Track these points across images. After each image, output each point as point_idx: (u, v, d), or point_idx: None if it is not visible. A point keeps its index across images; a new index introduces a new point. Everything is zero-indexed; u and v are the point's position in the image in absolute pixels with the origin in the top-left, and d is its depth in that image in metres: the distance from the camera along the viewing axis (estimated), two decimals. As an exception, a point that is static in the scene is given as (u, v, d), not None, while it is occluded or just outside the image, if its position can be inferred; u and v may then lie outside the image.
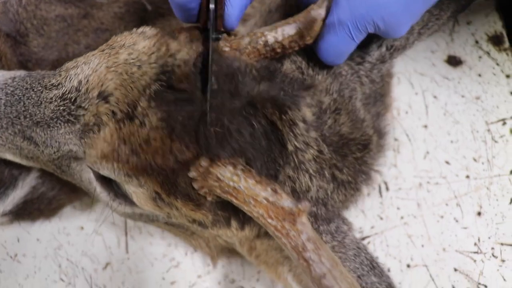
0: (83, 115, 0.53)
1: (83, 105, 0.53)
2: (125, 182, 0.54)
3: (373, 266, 0.59)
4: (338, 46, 0.58)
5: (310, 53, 0.61)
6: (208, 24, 0.55)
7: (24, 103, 0.56)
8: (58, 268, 0.78)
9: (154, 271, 0.77)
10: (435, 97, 0.87)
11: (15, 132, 0.58)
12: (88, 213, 0.81)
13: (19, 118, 0.57)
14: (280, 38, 0.56)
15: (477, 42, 0.91)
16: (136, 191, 0.54)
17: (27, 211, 0.77)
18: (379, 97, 0.71)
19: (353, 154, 0.61)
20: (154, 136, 0.51)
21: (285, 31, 0.56)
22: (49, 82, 0.56)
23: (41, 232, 0.80)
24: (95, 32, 0.80)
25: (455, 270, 0.76)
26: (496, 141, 0.84)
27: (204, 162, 0.50)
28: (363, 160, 0.63)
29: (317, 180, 0.57)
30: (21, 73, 0.60)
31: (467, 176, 0.81)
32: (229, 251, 0.73)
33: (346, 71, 0.64)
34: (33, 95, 0.56)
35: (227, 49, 0.56)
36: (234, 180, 0.50)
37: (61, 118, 0.55)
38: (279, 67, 0.59)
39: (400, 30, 0.58)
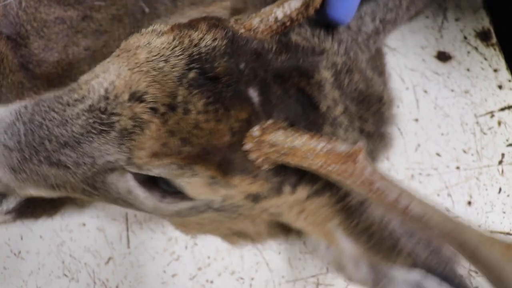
0: (118, 121, 0.52)
1: (115, 111, 0.52)
2: (177, 176, 0.54)
3: None
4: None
5: (312, 26, 0.65)
6: None
7: (47, 127, 0.54)
8: (62, 264, 0.80)
9: (155, 265, 0.79)
10: (425, 91, 0.90)
11: (40, 161, 0.55)
12: (89, 210, 0.82)
13: (43, 144, 0.54)
14: (288, 12, 0.59)
15: (465, 38, 0.94)
16: (190, 181, 0.54)
17: (30, 209, 0.78)
18: (376, 69, 0.75)
19: (372, 107, 0.66)
20: (204, 118, 0.52)
21: (291, 4, 0.59)
22: (71, 98, 0.54)
23: (44, 229, 0.82)
24: (94, 34, 0.82)
25: (447, 257, 0.78)
26: (484, 133, 0.86)
27: (256, 132, 0.52)
28: (381, 112, 0.67)
29: (350, 132, 0.61)
30: (28, 101, 0.58)
31: (458, 167, 0.84)
32: (273, 227, 0.74)
33: (346, 38, 0.68)
34: (56, 116, 0.54)
35: (242, 31, 0.58)
36: (289, 141, 0.52)
37: (92, 131, 0.53)
38: (289, 39, 0.62)
39: None
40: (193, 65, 0.54)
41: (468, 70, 0.91)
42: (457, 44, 0.94)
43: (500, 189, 0.82)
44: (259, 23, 0.59)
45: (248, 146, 0.53)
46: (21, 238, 0.81)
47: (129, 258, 0.79)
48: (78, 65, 0.80)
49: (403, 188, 0.50)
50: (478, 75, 0.91)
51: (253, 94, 0.54)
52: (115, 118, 0.52)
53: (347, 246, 0.64)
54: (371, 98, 0.66)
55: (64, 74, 0.81)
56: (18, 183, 0.59)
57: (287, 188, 0.59)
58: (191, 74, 0.53)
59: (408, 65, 0.92)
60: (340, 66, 0.64)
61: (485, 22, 0.95)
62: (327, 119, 0.58)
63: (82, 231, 0.81)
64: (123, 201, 0.61)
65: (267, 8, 0.60)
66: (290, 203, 0.62)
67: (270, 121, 0.54)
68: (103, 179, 0.57)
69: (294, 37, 0.63)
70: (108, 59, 0.57)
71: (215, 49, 0.55)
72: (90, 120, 0.53)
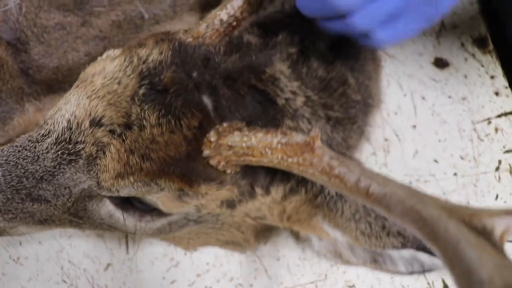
0: (83, 148, 0.54)
1: (79, 139, 0.54)
2: (146, 193, 0.55)
3: None
4: None
5: (263, 23, 0.66)
6: None
7: (22, 165, 0.56)
8: (60, 270, 0.80)
9: (155, 271, 0.79)
10: (423, 98, 0.90)
11: (23, 198, 0.57)
12: (89, 216, 0.83)
13: (22, 182, 0.56)
14: (232, 12, 0.60)
15: (462, 44, 0.95)
16: (160, 196, 0.56)
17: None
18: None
19: (336, 92, 0.65)
20: (159, 132, 0.53)
21: (233, 4, 0.60)
22: (39, 134, 0.57)
23: (43, 235, 0.81)
24: (94, 40, 0.83)
25: (445, 264, 0.79)
26: (482, 140, 0.87)
27: (212, 137, 0.53)
28: (347, 95, 0.67)
29: (315, 122, 0.61)
30: (3, 146, 0.60)
31: (455, 174, 0.84)
32: (261, 231, 0.75)
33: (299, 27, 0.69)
34: (28, 154, 0.56)
35: (190, 39, 0.59)
36: (245, 140, 0.52)
37: (63, 162, 0.55)
38: (241, 39, 0.63)
39: None
40: (143, 81, 0.55)
41: (465, 76, 0.92)
42: (455, 51, 0.94)
43: (497, 196, 0.83)
44: (205, 29, 0.59)
45: (206, 152, 0.54)
46: (20, 244, 0.81)
47: (128, 264, 0.80)
48: (78, 71, 0.79)
49: (363, 170, 0.49)
50: (475, 81, 0.92)
51: (206, 99, 0.56)
52: (80, 146, 0.54)
53: (337, 236, 0.65)
54: (333, 83, 0.65)
55: (64, 80, 0.81)
56: (7, 223, 0.60)
57: (259, 190, 0.60)
58: (142, 91, 0.55)
59: (406, 71, 0.93)
60: (295, 56, 0.64)
61: (482, 29, 0.96)
62: (287, 113, 0.59)
63: (81, 237, 0.82)
64: (108, 225, 0.62)
65: (212, 13, 0.60)
66: (268, 204, 0.63)
67: (225, 124, 0.54)
68: (84, 207, 0.59)
69: (246, 36, 0.64)
70: (69, 91, 0.58)
71: (161, 62, 0.56)
72: (59, 152, 0.55)
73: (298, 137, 0.51)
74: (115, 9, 0.84)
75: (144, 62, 0.56)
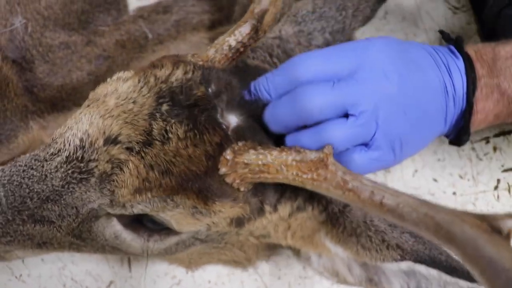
0: (96, 166, 0.54)
1: (92, 157, 0.54)
2: (161, 210, 0.55)
3: None
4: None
5: (270, 49, 0.69)
6: None
7: (26, 185, 0.55)
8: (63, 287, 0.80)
9: (157, 289, 0.80)
10: (422, 117, 0.92)
11: (24, 220, 0.56)
12: (91, 233, 0.83)
13: (26, 203, 0.55)
14: (240, 38, 0.62)
15: (461, 64, 0.96)
16: (174, 214, 0.56)
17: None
18: None
19: None
20: (183, 145, 0.54)
21: (242, 31, 0.62)
22: (47, 153, 0.56)
23: (45, 252, 0.82)
24: (98, 59, 0.84)
25: (444, 283, 0.79)
26: (480, 159, 0.88)
27: (228, 156, 0.54)
28: None
29: None
30: (5, 165, 0.59)
31: (454, 193, 0.85)
32: (262, 250, 0.76)
33: (299, 49, 0.71)
34: (34, 173, 0.55)
35: (200, 63, 0.61)
36: (261, 158, 0.54)
37: (72, 181, 0.54)
38: (245, 64, 0.65)
39: None
40: (162, 99, 0.56)
41: (463, 96, 0.93)
42: (453, 71, 0.96)
43: (495, 215, 0.84)
44: (214, 53, 0.61)
45: (223, 169, 0.55)
46: (23, 261, 0.81)
47: (130, 281, 0.80)
48: (82, 90, 0.82)
49: (375, 184, 0.51)
50: (473, 101, 0.93)
51: (225, 119, 0.57)
52: (93, 164, 0.54)
53: (338, 252, 0.66)
54: None
55: (68, 98, 0.82)
56: (3, 246, 0.60)
57: (268, 208, 0.61)
58: (164, 107, 0.55)
59: (406, 90, 0.94)
60: None
61: (480, 49, 0.97)
62: None
63: (84, 254, 0.82)
64: (111, 247, 0.62)
65: (220, 39, 0.62)
66: (274, 222, 0.64)
67: (240, 143, 0.56)
68: (89, 228, 0.59)
69: (251, 61, 0.66)
70: (79, 110, 0.59)
71: (190, 80, 0.57)
72: (69, 171, 0.54)
73: (312, 154, 0.53)
74: (119, 29, 0.85)
75: (163, 82, 0.57)
